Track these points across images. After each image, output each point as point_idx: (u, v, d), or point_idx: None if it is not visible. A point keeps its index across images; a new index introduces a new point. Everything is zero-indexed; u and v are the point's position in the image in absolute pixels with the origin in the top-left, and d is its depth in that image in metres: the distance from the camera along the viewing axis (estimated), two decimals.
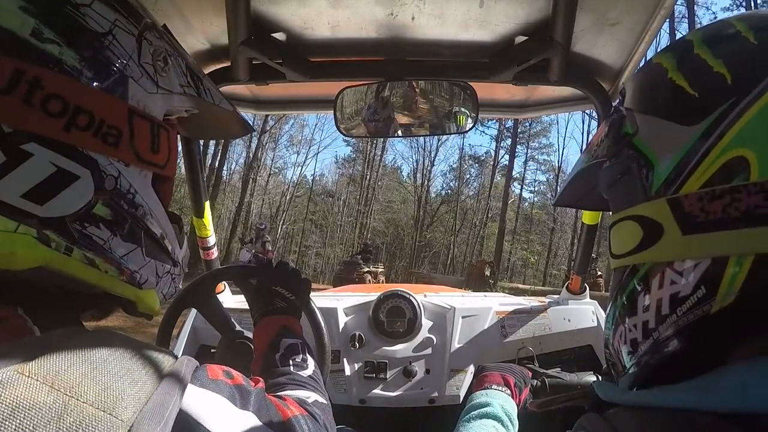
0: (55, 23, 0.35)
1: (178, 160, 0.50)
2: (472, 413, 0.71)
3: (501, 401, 0.73)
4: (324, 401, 0.58)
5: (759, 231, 0.28)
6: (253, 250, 9.52)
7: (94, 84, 0.36)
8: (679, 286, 0.32)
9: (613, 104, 1.06)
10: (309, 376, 0.63)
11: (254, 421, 0.37)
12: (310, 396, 0.57)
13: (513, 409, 0.74)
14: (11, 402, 0.25)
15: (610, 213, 0.41)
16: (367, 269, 12.66)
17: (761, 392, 0.27)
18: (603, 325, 1.30)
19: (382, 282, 12.79)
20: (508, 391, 0.78)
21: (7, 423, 0.24)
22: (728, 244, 0.29)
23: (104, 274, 0.38)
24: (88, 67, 0.36)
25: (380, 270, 14.00)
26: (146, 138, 0.41)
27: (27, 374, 0.26)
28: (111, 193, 0.38)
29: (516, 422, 0.71)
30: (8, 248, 0.32)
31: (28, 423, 0.25)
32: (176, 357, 0.35)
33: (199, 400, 0.34)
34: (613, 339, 0.40)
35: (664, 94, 0.35)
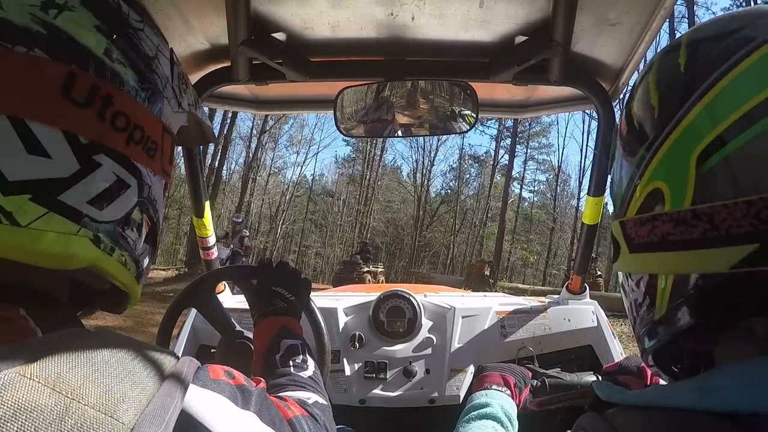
0: (122, 45, 0.38)
1: (179, 161, 0.53)
2: (472, 414, 0.71)
3: (501, 402, 0.73)
4: (324, 402, 0.58)
5: (673, 255, 0.32)
6: (231, 246, 8.98)
7: (146, 103, 0.40)
8: (635, 293, 0.38)
9: (614, 104, 1.07)
10: (309, 377, 0.63)
11: (255, 421, 0.37)
12: (311, 397, 0.57)
13: (513, 409, 0.73)
14: (13, 404, 0.25)
15: (610, 211, 0.43)
16: (366, 269, 12.63)
17: (758, 392, 0.27)
18: (603, 325, 1.31)
19: (382, 282, 12.77)
20: (508, 392, 0.78)
21: (8, 425, 0.24)
22: (653, 265, 0.34)
23: (128, 272, 0.41)
24: (142, 88, 0.40)
25: (380, 270, 13.93)
26: (168, 151, 0.45)
27: (29, 376, 0.26)
28: (145, 200, 0.42)
29: (516, 423, 0.71)
30: (70, 250, 0.35)
31: (30, 425, 0.25)
32: (178, 358, 0.35)
33: (201, 401, 0.34)
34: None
35: (625, 122, 0.39)
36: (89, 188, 0.36)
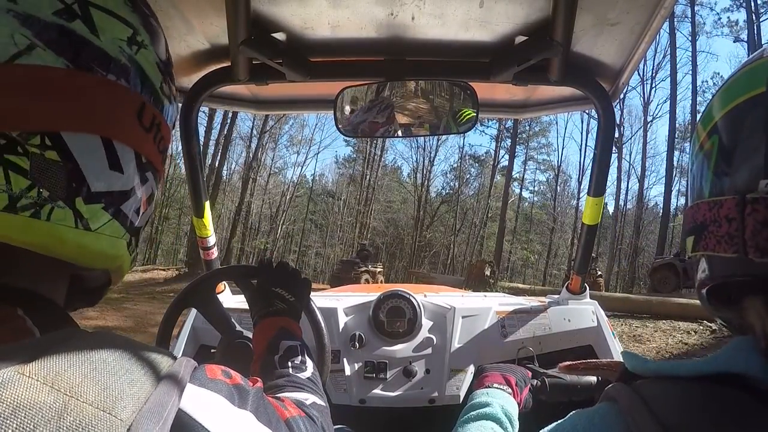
0: (169, 81, 0.45)
1: (179, 160, 0.58)
2: (471, 413, 0.70)
3: (501, 401, 0.73)
4: (322, 403, 0.58)
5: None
6: None
7: (171, 130, 0.47)
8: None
9: (614, 104, 1.06)
10: (308, 378, 0.63)
11: (252, 420, 0.38)
12: (308, 398, 0.57)
13: (514, 409, 0.73)
14: (12, 402, 0.25)
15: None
16: (364, 268, 12.56)
17: (747, 357, 0.32)
18: (603, 325, 1.31)
19: (381, 282, 12.77)
20: (510, 390, 0.78)
21: (7, 423, 0.24)
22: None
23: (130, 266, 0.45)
24: (170, 117, 0.46)
25: (379, 270, 13.88)
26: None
27: (27, 375, 0.26)
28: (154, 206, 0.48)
29: (516, 423, 0.71)
30: (118, 251, 0.40)
31: (29, 423, 0.25)
32: (175, 358, 0.35)
33: (198, 399, 0.34)
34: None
35: None
36: (138, 199, 0.41)
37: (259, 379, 0.46)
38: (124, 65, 0.39)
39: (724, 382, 0.32)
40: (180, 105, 0.55)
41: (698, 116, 0.36)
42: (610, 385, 0.38)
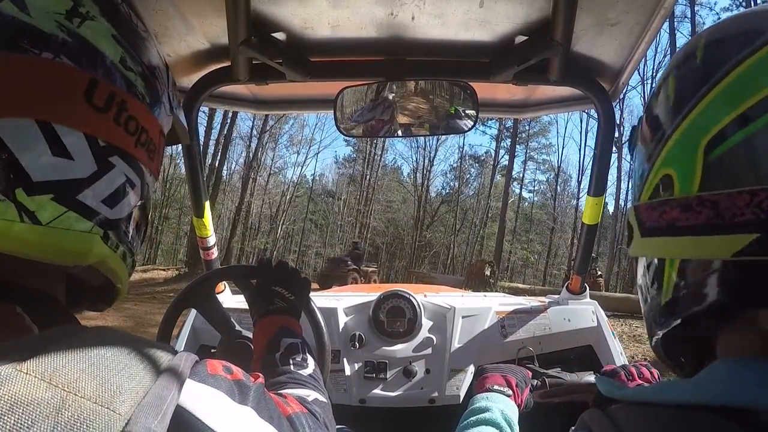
0: (133, 53, 0.41)
1: (179, 160, 0.56)
2: (471, 419, 0.70)
3: (501, 406, 0.72)
4: (324, 400, 0.58)
5: (679, 240, 0.32)
6: None
7: (151, 108, 0.43)
8: (645, 278, 0.38)
9: (614, 104, 1.06)
10: (309, 374, 0.63)
11: (253, 416, 0.37)
12: (310, 394, 0.57)
13: (514, 413, 0.73)
14: (9, 398, 0.25)
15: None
16: (352, 267, 12.07)
17: (752, 388, 0.28)
18: (603, 325, 1.31)
19: (375, 282, 12.48)
20: (510, 392, 0.78)
21: (5, 418, 0.24)
22: (661, 249, 0.35)
23: (126, 268, 0.43)
24: (148, 94, 0.42)
25: (371, 269, 13.38)
26: (162, 153, 0.47)
27: (25, 371, 0.26)
28: (144, 199, 0.44)
29: (516, 427, 0.70)
30: (86, 247, 0.37)
31: (27, 418, 0.25)
32: (175, 352, 0.35)
33: (198, 395, 0.34)
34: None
35: (646, 112, 0.40)
36: (103, 188, 0.38)
37: (260, 374, 0.46)
38: (63, 41, 0.35)
39: (707, 410, 0.29)
40: (172, 78, 0.53)
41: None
42: (585, 411, 0.37)
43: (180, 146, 1.13)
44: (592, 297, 1.37)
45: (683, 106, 0.33)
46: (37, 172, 0.33)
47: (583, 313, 1.31)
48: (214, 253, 1.30)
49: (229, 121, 18.93)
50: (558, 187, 28.60)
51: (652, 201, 0.35)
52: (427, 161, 28.26)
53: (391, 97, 1.07)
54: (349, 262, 12.46)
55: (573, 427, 0.37)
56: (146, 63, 0.42)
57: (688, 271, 0.33)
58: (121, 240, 0.41)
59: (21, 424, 0.25)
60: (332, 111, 1.07)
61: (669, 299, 0.35)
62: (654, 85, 0.42)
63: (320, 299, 1.37)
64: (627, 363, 1.12)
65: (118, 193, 0.39)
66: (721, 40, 0.34)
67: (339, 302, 1.32)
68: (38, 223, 0.34)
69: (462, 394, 1.19)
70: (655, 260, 0.36)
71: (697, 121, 0.32)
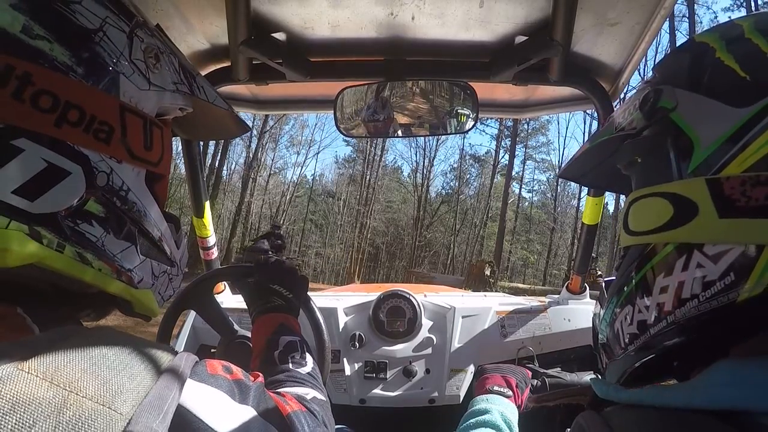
0: (45, 20, 0.35)
1: (179, 160, 0.51)
2: (470, 421, 0.70)
3: (501, 408, 0.72)
4: (323, 398, 0.58)
5: None
6: None
7: (85, 80, 0.37)
8: (706, 270, 0.31)
9: (614, 104, 1.06)
10: (308, 373, 0.63)
11: (253, 415, 0.37)
12: (309, 393, 0.57)
13: (513, 414, 0.73)
14: (11, 397, 0.25)
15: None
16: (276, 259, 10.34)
17: (752, 391, 0.27)
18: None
19: None
20: (510, 392, 0.78)
21: (7, 418, 0.24)
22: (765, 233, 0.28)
23: (98, 272, 0.38)
24: (78, 63, 0.36)
25: (296, 263, 11.41)
26: (139, 135, 0.41)
27: (27, 370, 0.26)
28: (103, 190, 0.38)
29: (516, 429, 0.70)
30: (9, 245, 0.32)
31: (28, 418, 0.25)
32: (176, 353, 0.35)
33: (198, 395, 0.34)
34: (616, 319, 0.38)
35: (711, 72, 0.34)
36: (11, 177, 0.33)
37: (260, 374, 0.46)
38: None
39: (703, 413, 0.28)
40: (171, 52, 0.47)
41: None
42: (580, 414, 0.36)
43: (180, 146, 1.14)
44: (592, 297, 1.37)
45: None
46: None
47: (583, 313, 1.31)
48: (214, 253, 1.30)
49: None
50: (558, 187, 28.60)
51: (759, 174, 0.29)
52: (427, 161, 28.27)
53: (391, 97, 1.07)
54: (270, 253, 10.78)
55: (569, 429, 0.37)
56: (74, 29, 0.37)
57: None
58: (68, 239, 0.36)
59: (23, 423, 0.25)
60: (332, 111, 1.07)
61: (758, 294, 0.28)
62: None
63: (320, 299, 1.37)
64: None
65: (38, 182, 0.34)
66: None
67: (339, 302, 1.32)
68: None
69: (462, 394, 1.19)
70: (738, 248, 0.29)
71: None
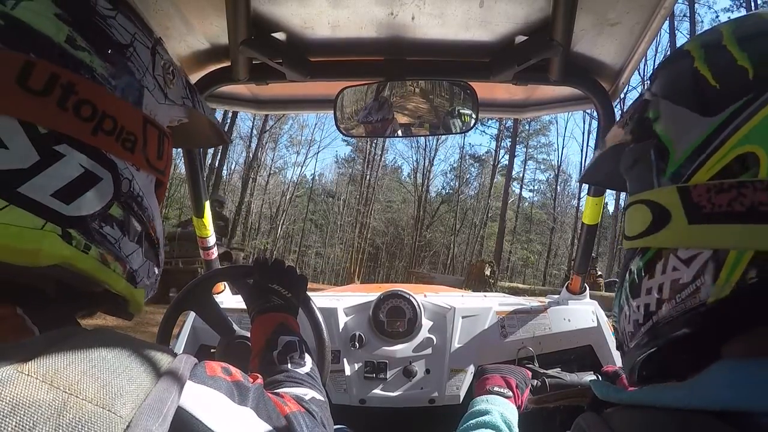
0: (87, 32, 0.37)
1: (179, 160, 0.53)
2: (470, 422, 0.70)
3: (501, 408, 0.72)
4: (321, 398, 0.58)
5: (760, 228, 0.29)
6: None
7: (118, 92, 0.39)
8: (680, 272, 0.33)
9: (614, 104, 1.06)
10: (306, 373, 0.63)
11: (252, 417, 0.37)
12: (308, 393, 0.57)
13: (513, 415, 0.73)
14: (11, 400, 0.25)
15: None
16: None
17: (752, 391, 0.27)
18: (603, 325, 1.31)
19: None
20: (510, 393, 0.78)
21: (7, 420, 0.24)
22: (730, 238, 0.30)
23: (112, 273, 0.39)
24: (113, 76, 0.38)
25: (243, 254, 9.49)
26: (155, 145, 0.43)
27: (27, 373, 0.26)
28: (125, 195, 0.40)
29: (516, 430, 0.70)
30: (35, 245, 0.33)
31: (28, 420, 0.25)
32: (175, 355, 0.35)
33: (197, 397, 0.34)
34: (620, 318, 0.41)
35: (687, 82, 0.35)
36: (52, 180, 0.34)
37: (259, 375, 0.46)
38: None
39: (704, 413, 0.28)
40: (179, 70, 0.49)
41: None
42: (581, 415, 0.36)
43: (185, 148, 1.14)
44: (592, 297, 1.37)
45: None
46: None
47: (583, 313, 1.31)
48: (214, 253, 1.30)
49: (229, 121, 18.93)
50: (558, 187, 28.61)
51: (722, 182, 0.30)
52: (427, 161, 28.28)
53: (391, 97, 1.07)
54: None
55: (569, 431, 0.37)
56: (111, 42, 0.39)
57: (764, 264, 0.29)
58: (93, 240, 0.37)
59: (23, 425, 0.25)
60: (332, 111, 1.07)
61: (725, 296, 0.30)
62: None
63: (320, 299, 1.37)
64: None
65: (74, 186, 0.35)
66: None
67: (339, 302, 1.33)
68: None
69: (462, 394, 1.19)
70: (707, 252, 0.31)
71: None
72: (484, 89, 1.08)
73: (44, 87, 0.34)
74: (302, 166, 28.28)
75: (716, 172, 0.31)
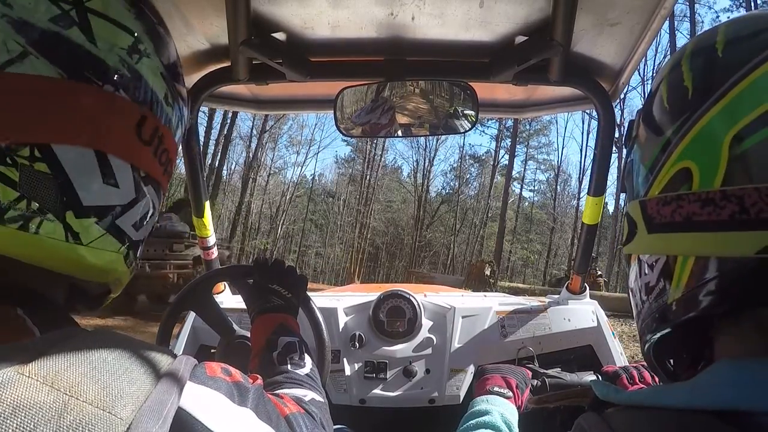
0: (174, 90, 0.43)
1: (179, 160, 0.57)
2: (470, 422, 0.70)
3: (501, 409, 0.72)
4: (321, 399, 0.58)
5: (695, 236, 0.32)
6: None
7: (176, 137, 0.46)
8: (648, 276, 0.37)
9: (614, 104, 1.06)
10: (306, 374, 0.63)
11: (252, 417, 0.38)
12: (307, 394, 0.57)
13: (513, 415, 0.73)
14: (12, 402, 0.25)
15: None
16: (182, 245, 6.55)
17: (753, 391, 0.28)
18: (603, 325, 1.31)
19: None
20: (510, 393, 0.78)
21: (8, 422, 0.25)
22: (675, 245, 0.33)
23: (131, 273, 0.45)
24: (178, 127, 0.45)
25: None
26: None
27: (27, 374, 0.26)
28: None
29: (516, 430, 0.71)
30: (114, 266, 0.40)
31: (29, 422, 0.25)
32: (175, 356, 0.35)
33: (197, 397, 0.34)
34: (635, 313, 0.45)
35: (651, 102, 0.39)
36: (136, 214, 0.40)
37: (259, 376, 0.46)
38: (123, 75, 0.37)
39: (704, 413, 0.29)
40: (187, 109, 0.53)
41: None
42: (581, 415, 0.37)
43: (180, 146, 1.14)
44: (592, 297, 1.37)
45: (705, 98, 0.32)
46: (87, 197, 0.36)
47: (583, 313, 1.31)
48: (214, 253, 1.30)
49: (229, 121, 18.96)
50: (558, 187, 28.61)
51: (666, 195, 0.34)
52: (427, 161, 28.28)
53: (391, 97, 1.07)
54: (183, 235, 6.58)
55: (569, 431, 0.37)
56: (180, 97, 0.45)
57: (703, 269, 0.31)
58: (136, 258, 0.43)
59: (23, 427, 0.25)
60: (332, 111, 1.07)
61: (678, 298, 0.33)
62: (656, 74, 0.42)
63: (320, 299, 1.37)
64: (627, 363, 1.12)
65: (145, 217, 0.42)
66: (747, 33, 0.33)
67: (339, 302, 1.33)
68: (80, 243, 0.36)
69: (462, 394, 1.19)
70: (663, 258, 0.35)
71: (722, 113, 0.31)
72: (484, 89, 1.08)
73: (150, 137, 0.40)
74: (302, 166, 28.30)
75: (663, 187, 0.35)
